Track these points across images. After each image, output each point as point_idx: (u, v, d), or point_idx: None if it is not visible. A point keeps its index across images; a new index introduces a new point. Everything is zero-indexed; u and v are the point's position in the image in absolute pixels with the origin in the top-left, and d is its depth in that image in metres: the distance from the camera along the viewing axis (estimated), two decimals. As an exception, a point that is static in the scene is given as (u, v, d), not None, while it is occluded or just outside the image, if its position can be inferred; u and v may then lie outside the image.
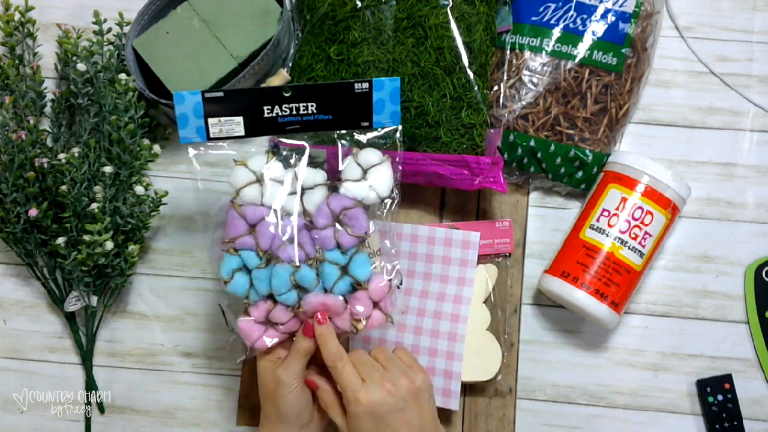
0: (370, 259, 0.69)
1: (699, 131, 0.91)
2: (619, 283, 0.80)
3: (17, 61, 0.89)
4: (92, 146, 0.82)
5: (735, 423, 0.84)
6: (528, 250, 0.89)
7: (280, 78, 0.87)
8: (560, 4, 0.86)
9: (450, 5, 0.83)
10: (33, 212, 0.81)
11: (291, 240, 0.68)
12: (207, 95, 0.68)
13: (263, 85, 0.86)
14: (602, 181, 0.84)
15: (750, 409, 0.85)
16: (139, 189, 0.83)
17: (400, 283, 0.82)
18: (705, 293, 0.88)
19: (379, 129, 0.72)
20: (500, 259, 0.86)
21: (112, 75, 0.86)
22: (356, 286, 0.69)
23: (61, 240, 0.81)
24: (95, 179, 0.82)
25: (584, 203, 0.85)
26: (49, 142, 0.89)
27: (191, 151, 0.71)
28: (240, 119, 0.70)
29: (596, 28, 0.85)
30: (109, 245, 0.79)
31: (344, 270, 0.69)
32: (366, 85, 0.70)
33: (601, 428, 0.86)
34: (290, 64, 0.90)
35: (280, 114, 0.70)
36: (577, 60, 0.85)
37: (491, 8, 0.85)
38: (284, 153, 0.71)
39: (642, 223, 0.80)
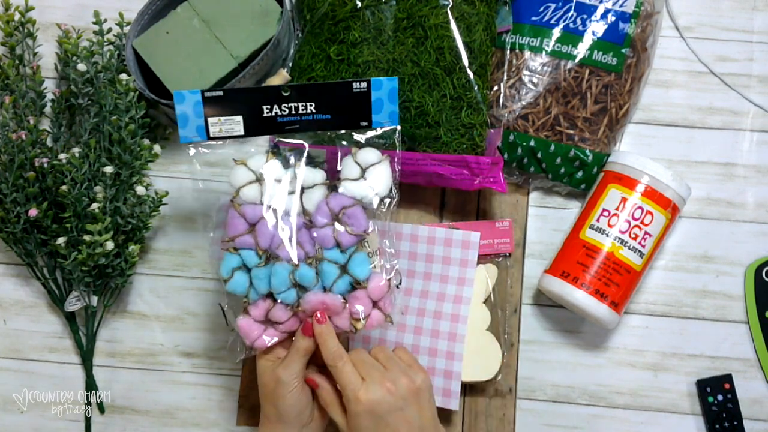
0: (370, 259, 0.69)
1: (699, 131, 0.91)
2: (619, 283, 0.80)
3: (17, 61, 0.89)
4: (92, 146, 0.82)
5: (735, 423, 0.83)
6: (528, 250, 0.89)
7: (280, 78, 0.87)
8: (560, 4, 0.86)
9: (450, 5, 0.83)
10: (33, 212, 0.81)
11: (290, 239, 0.68)
12: (207, 94, 0.69)
13: (263, 85, 0.86)
14: (602, 181, 0.84)
15: (750, 409, 0.85)
16: (139, 189, 0.83)
17: (400, 283, 0.82)
18: (705, 293, 0.88)
19: (378, 129, 0.73)
20: (500, 259, 0.86)
21: (113, 75, 0.86)
22: (355, 285, 0.69)
23: (61, 240, 0.81)
24: (95, 179, 0.82)
25: (584, 203, 0.85)
26: (49, 142, 0.89)
27: (191, 151, 0.71)
28: (240, 118, 0.70)
29: (596, 28, 0.85)
30: (110, 245, 0.79)
31: (343, 269, 0.69)
32: (364, 84, 0.70)
33: (601, 428, 0.86)
34: (290, 64, 0.90)
35: (279, 113, 0.70)
36: (577, 60, 0.85)
37: (491, 8, 0.85)
38: (285, 153, 0.71)
39: (642, 223, 0.80)
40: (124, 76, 0.82)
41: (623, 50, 0.85)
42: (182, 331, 0.89)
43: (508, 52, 0.87)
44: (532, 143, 0.85)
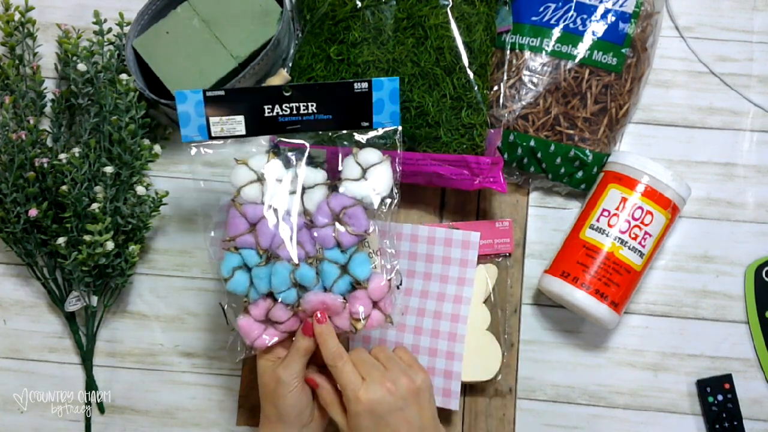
0: (370, 259, 0.69)
1: (699, 131, 0.91)
2: (619, 283, 0.80)
3: (17, 61, 0.89)
4: (93, 146, 0.82)
5: (735, 423, 0.84)
6: (528, 250, 0.89)
7: (280, 78, 0.87)
8: (560, 4, 0.86)
9: (450, 5, 0.83)
10: (33, 212, 0.81)
11: (291, 239, 0.68)
12: (208, 94, 0.69)
13: (263, 85, 0.86)
14: (602, 181, 0.84)
15: (750, 409, 0.85)
16: (139, 189, 0.83)
17: (400, 284, 0.82)
18: (705, 293, 0.88)
19: (379, 129, 0.73)
20: (500, 259, 0.86)
21: (113, 75, 0.86)
22: (356, 285, 0.69)
23: (61, 240, 0.81)
24: (96, 179, 0.82)
25: (584, 203, 0.85)
26: (49, 142, 0.89)
27: (193, 150, 0.71)
28: (241, 118, 0.70)
29: (596, 28, 0.85)
30: (110, 245, 0.79)
31: (344, 269, 0.69)
32: (365, 85, 0.70)
33: (601, 428, 0.86)
34: (290, 64, 0.90)
35: (280, 113, 0.70)
36: (577, 60, 0.85)
37: (491, 8, 0.85)
38: (285, 153, 0.71)
39: (642, 223, 0.80)
40: (124, 76, 0.82)
41: (623, 50, 0.85)
42: (182, 331, 0.89)
43: (508, 52, 0.87)
44: (532, 143, 0.85)
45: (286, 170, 0.70)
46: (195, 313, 0.89)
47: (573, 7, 0.86)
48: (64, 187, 0.80)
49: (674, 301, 0.88)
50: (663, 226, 0.81)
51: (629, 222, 0.80)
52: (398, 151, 0.73)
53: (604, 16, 0.85)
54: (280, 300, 0.68)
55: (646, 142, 0.91)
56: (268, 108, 0.70)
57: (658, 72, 0.92)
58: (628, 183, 0.81)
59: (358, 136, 0.72)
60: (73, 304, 0.85)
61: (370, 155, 0.70)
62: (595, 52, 0.85)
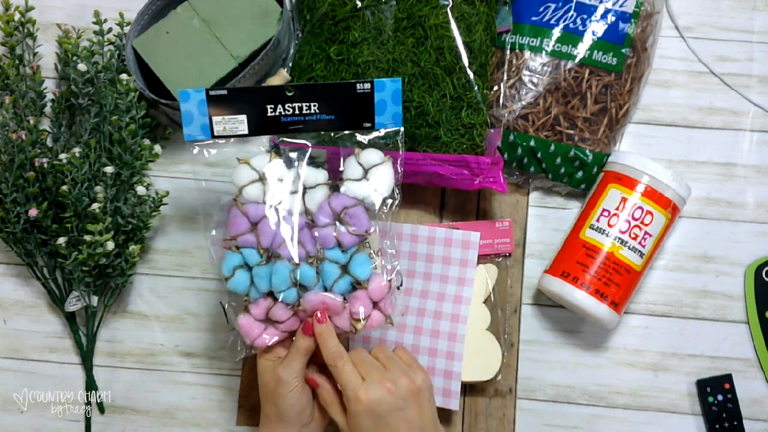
0: (371, 259, 0.69)
1: (699, 131, 0.91)
2: (619, 283, 0.80)
3: (17, 61, 0.89)
4: (93, 146, 0.82)
5: (735, 423, 0.84)
6: (528, 250, 0.89)
7: (280, 78, 0.87)
8: (560, 4, 0.86)
9: (450, 5, 0.83)
10: (33, 212, 0.81)
11: (292, 238, 0.68)
12: (211, 93, 0.69)
13: (264, 85, 0.86)
14: (602, 181, 0.84)
15: (750, 409, 0.85)
16: (140, 189, 0.83)
17: (401, 284, 0.82)
18: (705, 293, 0.88)
19: (381, 130, 0.73)
20: (500, 259, 0.86)
21: (113, 75, 0.86)
22: (356, 285, 0.69)
23: (61, 240, 0.81)
24: (96, 179, 0.82)
25: (584, 203, 0.85)
26: (49, 142, 0.89)
27: (195, 149, 0.71)
28: (243, 117, 0.70)
29: (596, 28, 0.85)
30: (110, 245, 0.79)
31: (344, 269, 0.69)
32: (368, 85, 0.71)
33: (601, 428, 0.86)
34: (290, 64, 0.90)
35: (283, 113, 0.70)
36: (577, 60, 0.85)
37: (491, 8, 0.85)
38: (289, 154, 0.71)
39: (642, 223, 0.80)
40: (124, 76, 0.82)
41: (623, 50, 0.85)
42: (182, 331, 0.89)
43: (508, 52, 0.87)
44: (532, 143, 0.85)
45: (288, 170, 0.70)
46: (195, 313, 0.89)
47: (573, 7, 0.86)
48: (64, 187, 0.80)
49: (674, 301, 0.88)
50: (663, 226, 0.81)
51: (629, 222, 0.80)
52: (400, 152, 0.73)
53: (604, 16, 0.85)
54: (280, 299, 0.68)
55: (646, 142, 0.91)
56: (271, 108, 0.70)
57: (658, 72, 0.92)
58: (628, 183, 0.81)
59: (359, 137, 0.73)
60: (73, 304, 0.85)
61: (372, 156, 0.70)
62: (595, 52, 0.85)
